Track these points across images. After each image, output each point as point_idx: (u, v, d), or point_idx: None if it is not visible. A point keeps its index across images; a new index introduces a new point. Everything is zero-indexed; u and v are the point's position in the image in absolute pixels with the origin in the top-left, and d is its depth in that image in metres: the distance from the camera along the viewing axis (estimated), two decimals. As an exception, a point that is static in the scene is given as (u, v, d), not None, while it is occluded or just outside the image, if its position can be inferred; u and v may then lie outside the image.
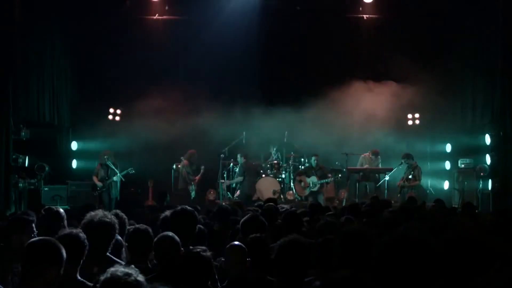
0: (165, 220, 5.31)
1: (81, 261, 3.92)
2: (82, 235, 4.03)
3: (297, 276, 3.72)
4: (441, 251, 2.70)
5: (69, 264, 3.70)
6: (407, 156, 13.52)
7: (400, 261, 2.53)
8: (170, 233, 4.48)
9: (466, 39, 14.27)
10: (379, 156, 14.32)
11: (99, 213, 4.64)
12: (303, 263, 3.75)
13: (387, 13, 15.47)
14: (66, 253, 3.60)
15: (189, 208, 5.15)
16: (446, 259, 2.94)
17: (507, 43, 12.34)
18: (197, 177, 14.54)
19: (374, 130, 14.71)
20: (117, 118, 15.58)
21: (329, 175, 14.19)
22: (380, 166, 14.25)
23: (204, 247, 4.13)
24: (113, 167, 13.52)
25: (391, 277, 2.54)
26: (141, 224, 5.13)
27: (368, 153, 14.40)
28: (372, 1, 15.38)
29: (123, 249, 5.06)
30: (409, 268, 2.53)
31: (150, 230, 4.82)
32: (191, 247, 4.25)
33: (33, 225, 5.06)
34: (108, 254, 4.54)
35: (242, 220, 5.57)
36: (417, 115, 15.61)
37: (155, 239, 4.53)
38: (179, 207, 5.25)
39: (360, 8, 15.58)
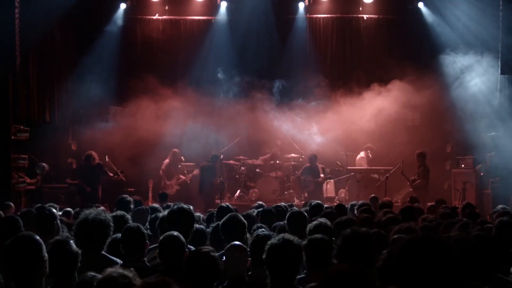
0: (163, 220, 5.28)
1: (75, 273, 3.69)
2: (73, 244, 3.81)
3: (288, 275, 3.74)
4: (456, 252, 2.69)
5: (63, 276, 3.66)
6: (417, 155, 13.49)
7: (423, 261, 2.52)
8: (176, 233, 4.35)
9: (466, 38, 14.25)
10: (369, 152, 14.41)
11: (93, 211, 4.62)
12: (293, 262, 3.76)
13: (387, 13, 15.47)
14: (58, 266, 3.56)
15: (185, 206, 5.11)
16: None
17: (507, 42, 12.34)
18: (182, 177, 14.37)
19: (375, 130, 14.70)
20: (118, 118, 15.55)
21: (322, 175, 14.12)
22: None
23: (211, 248, 4.10)
24: (104, 168, 13.35)
25: (412, 277, 2.53)
26: (133, 223, 5.12)
27: (363, 153, 14.48)
28: (372, 1, 15.38)
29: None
30: (431, 269, 2.53)
31: (142, 227, 4.76)
32: (197, 247, 4.23)
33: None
34: (103, 252, 4.53)
35: (221, 222, 5.29)
36: (417, 115, 15.58)
37: (161, 238, 4.39)
38: (175, 206, 5.22)
39: (360, 8, 15.58)
